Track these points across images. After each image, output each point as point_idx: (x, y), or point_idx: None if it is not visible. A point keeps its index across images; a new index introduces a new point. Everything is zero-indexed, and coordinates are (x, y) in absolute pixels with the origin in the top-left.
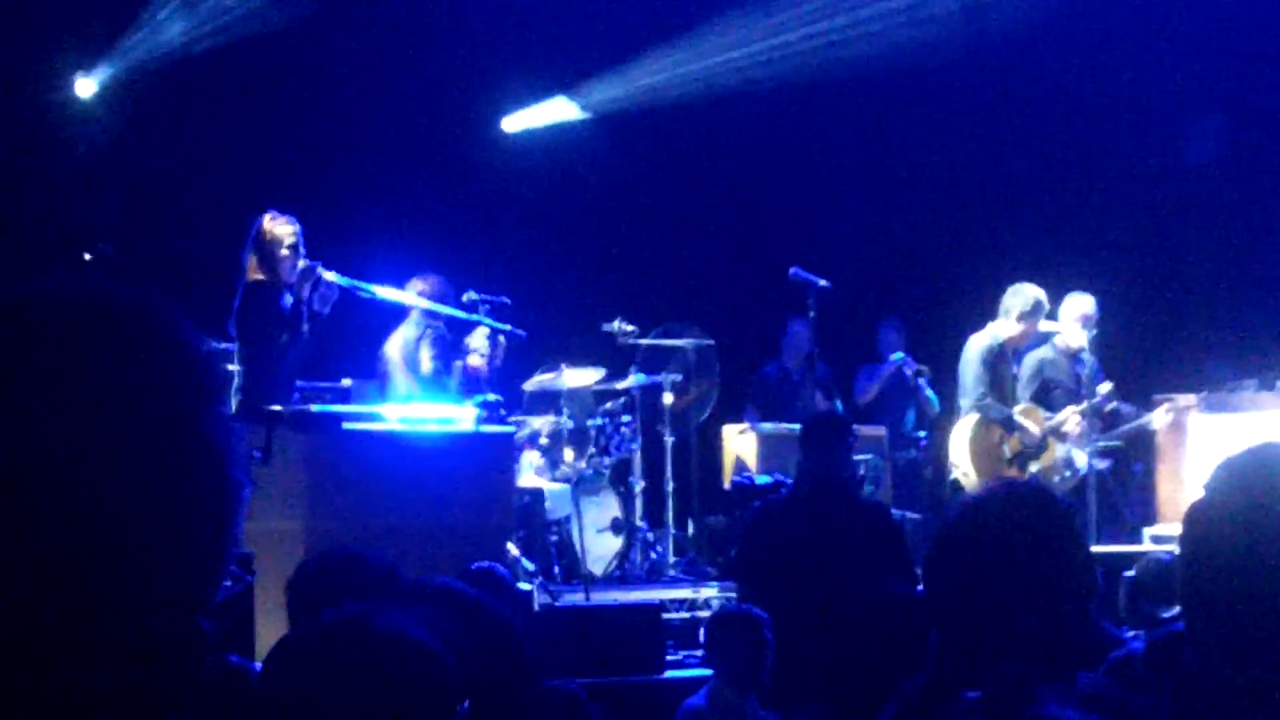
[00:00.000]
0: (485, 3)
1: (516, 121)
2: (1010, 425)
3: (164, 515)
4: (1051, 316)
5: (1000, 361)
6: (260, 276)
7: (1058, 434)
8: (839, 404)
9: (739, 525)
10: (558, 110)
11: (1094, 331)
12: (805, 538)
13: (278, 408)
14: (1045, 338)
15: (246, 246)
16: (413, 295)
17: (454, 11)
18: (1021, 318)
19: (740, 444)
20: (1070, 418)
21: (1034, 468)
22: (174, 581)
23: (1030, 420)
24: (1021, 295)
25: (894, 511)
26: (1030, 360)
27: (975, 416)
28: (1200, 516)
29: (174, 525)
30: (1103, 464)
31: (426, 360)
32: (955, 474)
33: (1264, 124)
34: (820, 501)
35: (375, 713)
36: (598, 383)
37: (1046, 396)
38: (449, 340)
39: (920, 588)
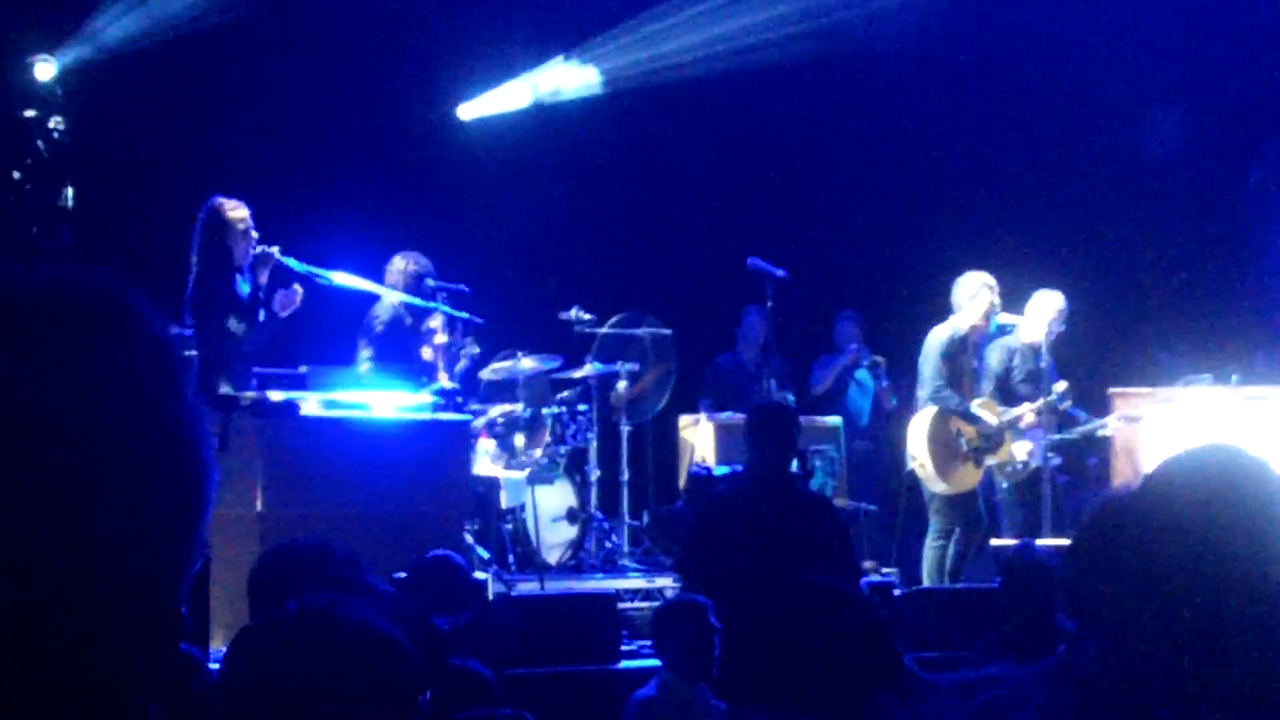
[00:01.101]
0: None
1: (472, 109)
2: (967, 416)
3: (140, 501)
4: (1017, 310)
5: (960, 354)
6: (213, 262)
7: (1014, 428)
8: (791, 395)
9: (693, 515)
10: (514, 97)
11: (1063, 329)
12: (749, 530)
13: (234, 394)
14: (1009, 330)
15: (197, 232)
16: (370, 282)
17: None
18: (973, 306)
19: (696, 434)
20: (1027, 413)
21: (990, 461)
22: (152, 568)
23: (987, 413)
24: (969, 284)
25: (850, 503)
26: (996, 351)
27: (933, 409)
28: (1134, 516)
29: (150, 512)
30: (1055, 459)
31: (364, 358)
32: (912, 465)
33: (1222, 119)
34: (765, 494)
35: (341, 702)
36: (554, 371)
37: (1006, 389)
38: (408, 327)
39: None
